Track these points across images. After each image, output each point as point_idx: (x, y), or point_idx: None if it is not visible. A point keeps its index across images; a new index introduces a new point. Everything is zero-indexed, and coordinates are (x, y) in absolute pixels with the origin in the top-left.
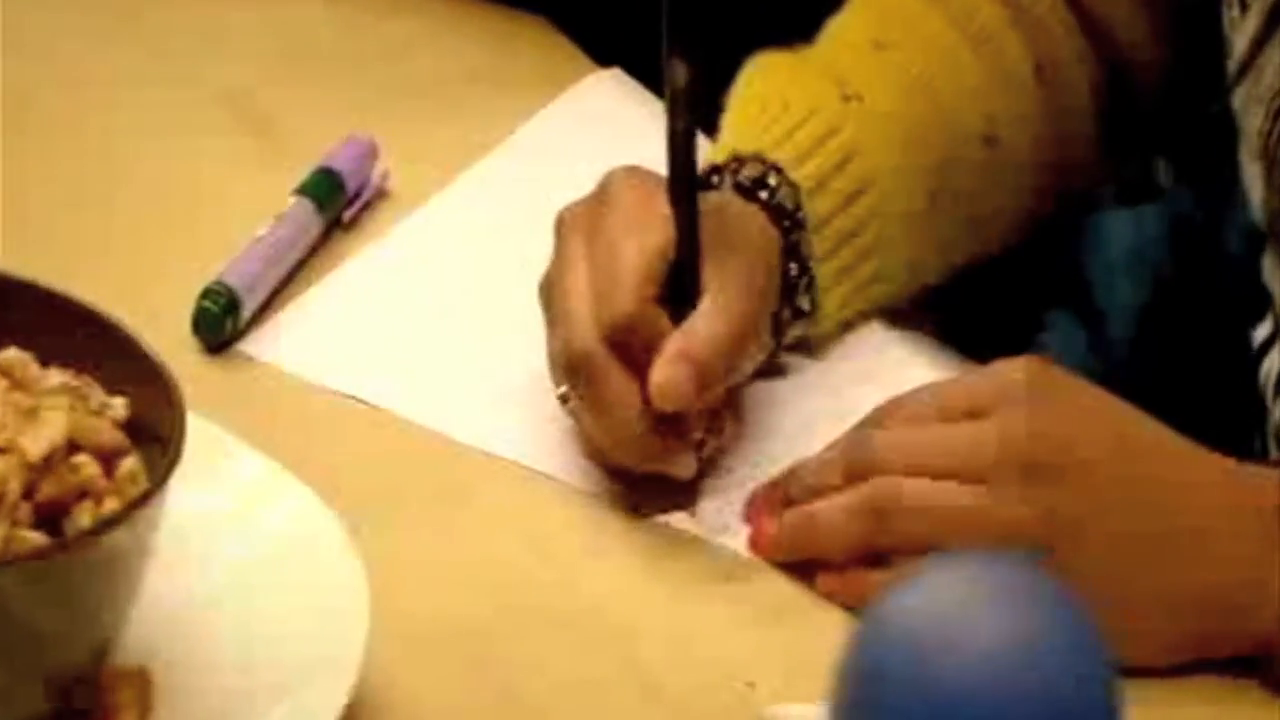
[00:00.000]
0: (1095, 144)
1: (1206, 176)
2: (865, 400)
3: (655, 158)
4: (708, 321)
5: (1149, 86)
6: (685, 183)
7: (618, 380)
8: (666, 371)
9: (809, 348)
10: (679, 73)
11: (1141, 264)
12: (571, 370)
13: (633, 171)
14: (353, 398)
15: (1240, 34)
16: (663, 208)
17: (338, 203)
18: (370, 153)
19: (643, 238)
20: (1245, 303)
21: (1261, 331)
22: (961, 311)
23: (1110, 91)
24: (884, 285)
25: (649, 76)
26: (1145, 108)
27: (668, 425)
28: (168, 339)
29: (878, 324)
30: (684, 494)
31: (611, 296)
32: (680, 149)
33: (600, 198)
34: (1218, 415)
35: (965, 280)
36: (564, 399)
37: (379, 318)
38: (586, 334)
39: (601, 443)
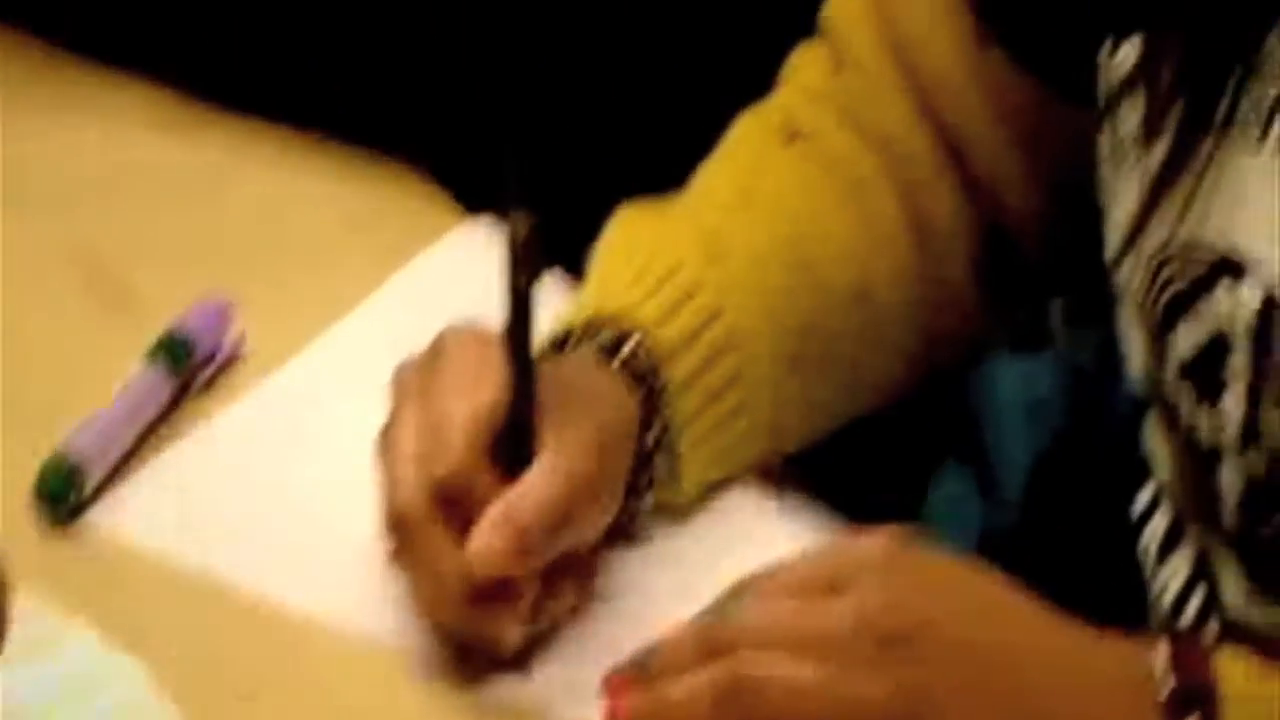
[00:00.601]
0: (976, 298)
1: (1098, 327)
2: (729, 570)
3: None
4: (536, 486)
5: (1033, 240)
6: (521, 340)
7: (438, 542)
8: (485, 537)
9: (676, 512)
10: (519, 227)
11: (1034, 418)
12: (394, 530)
13: (468, 328)
14: (199, 571)
15: (1119, 205)
16: (497, 366)
17: (190, 367)
18: (224, 314)
19: (473, 397)
20: (1131, 467)
21: (1142, 499)
22: (848, 466)
23: (991, 245)
24: (750, 448)
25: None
26: (1030, 261)
27: (496, 590)
28: (11, 510)
29: (749, 486)
30: (530, 663)
31: (438, 456)
32: (518, 304)
33: (433, 355)
34: (1106, 582)
35: (852, 432)
36: (394, 559)
37: (228, 487)
38: (409, 493)
39: (425, 605)
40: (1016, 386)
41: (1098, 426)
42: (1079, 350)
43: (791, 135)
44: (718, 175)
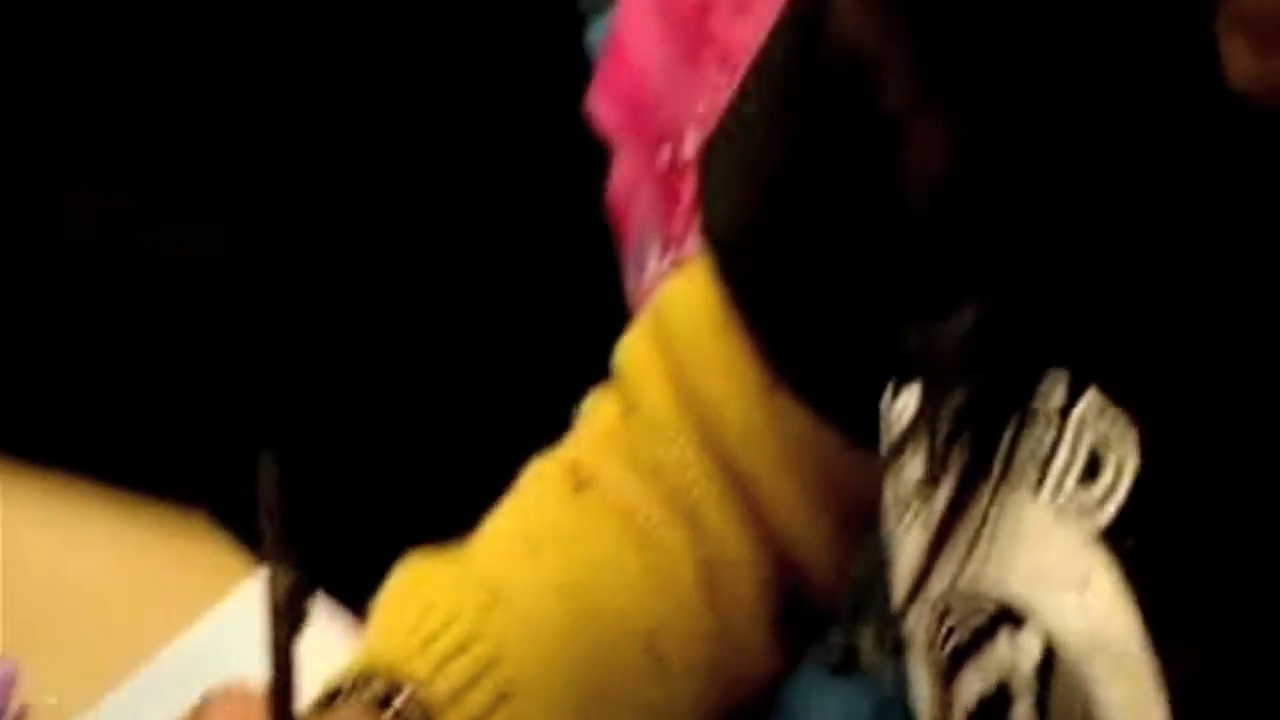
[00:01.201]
0: (775, 654)
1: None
2: None
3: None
4: None
5: (837, 597)
6: (283, 696)
7: None
8: None
9: None
10: (280, 583)
11: None
12: None
13: (233, 687)
14: None
15: (903, 555)
16: None
17: None
18: (8, 679)
19: None
20: None
21: None
22: None
23: (786, 592)
24: None
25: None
26: (833, 612)
27: None
28: None
29: None
30: None
31: None
32: (280, 660)
33: (196, 717)
34: None
35: None
36: None
37: None
38: None
39: None
40: (829, 710)
41: None
42: (888, 680)
43: (581, 482)
44: (505, 521)
